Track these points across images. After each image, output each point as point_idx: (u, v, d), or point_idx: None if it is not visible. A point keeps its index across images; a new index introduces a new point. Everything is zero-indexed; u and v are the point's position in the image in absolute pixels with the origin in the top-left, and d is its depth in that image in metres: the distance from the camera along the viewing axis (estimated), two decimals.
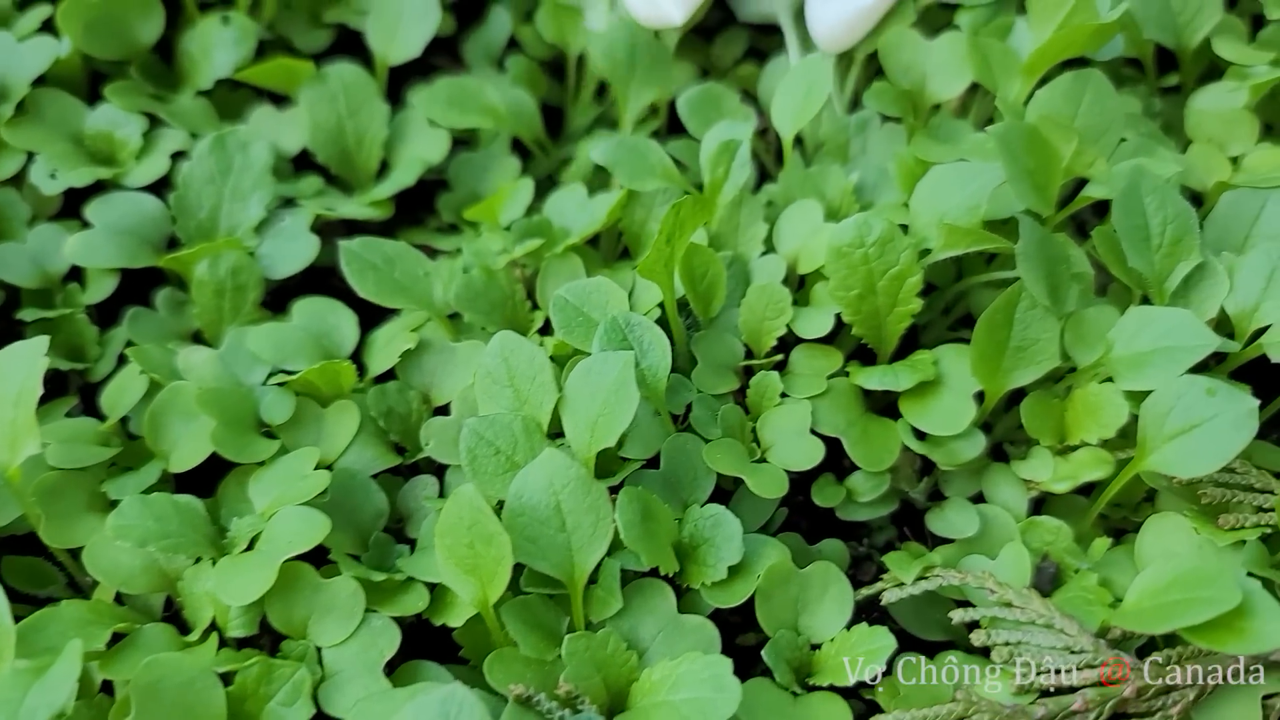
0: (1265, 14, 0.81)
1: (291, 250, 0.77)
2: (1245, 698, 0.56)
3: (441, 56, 0.95)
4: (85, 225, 0.76)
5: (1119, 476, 0.62)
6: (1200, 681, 0.56)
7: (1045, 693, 0.57)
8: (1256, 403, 0.57)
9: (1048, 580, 0.65)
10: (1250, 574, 0.58)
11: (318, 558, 0.62)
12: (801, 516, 0.71)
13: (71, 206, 0.79)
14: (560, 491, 0.59)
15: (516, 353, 0.65)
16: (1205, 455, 0.58)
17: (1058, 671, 0.57)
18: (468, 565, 0.58)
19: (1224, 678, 0.56)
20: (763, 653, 0.60)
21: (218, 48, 0.84)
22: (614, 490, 0.62)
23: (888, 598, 0.62)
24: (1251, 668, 0.56)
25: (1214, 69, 0.83)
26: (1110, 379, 0.64)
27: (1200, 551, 0.60)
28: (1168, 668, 0.56)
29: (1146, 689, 0.56)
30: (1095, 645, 0.56)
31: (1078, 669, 0.56)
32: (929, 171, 0.70)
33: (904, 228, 0.70)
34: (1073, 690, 0.56)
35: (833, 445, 0.67)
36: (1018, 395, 0.68)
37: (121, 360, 0.72)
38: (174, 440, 0.66)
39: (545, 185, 0.85)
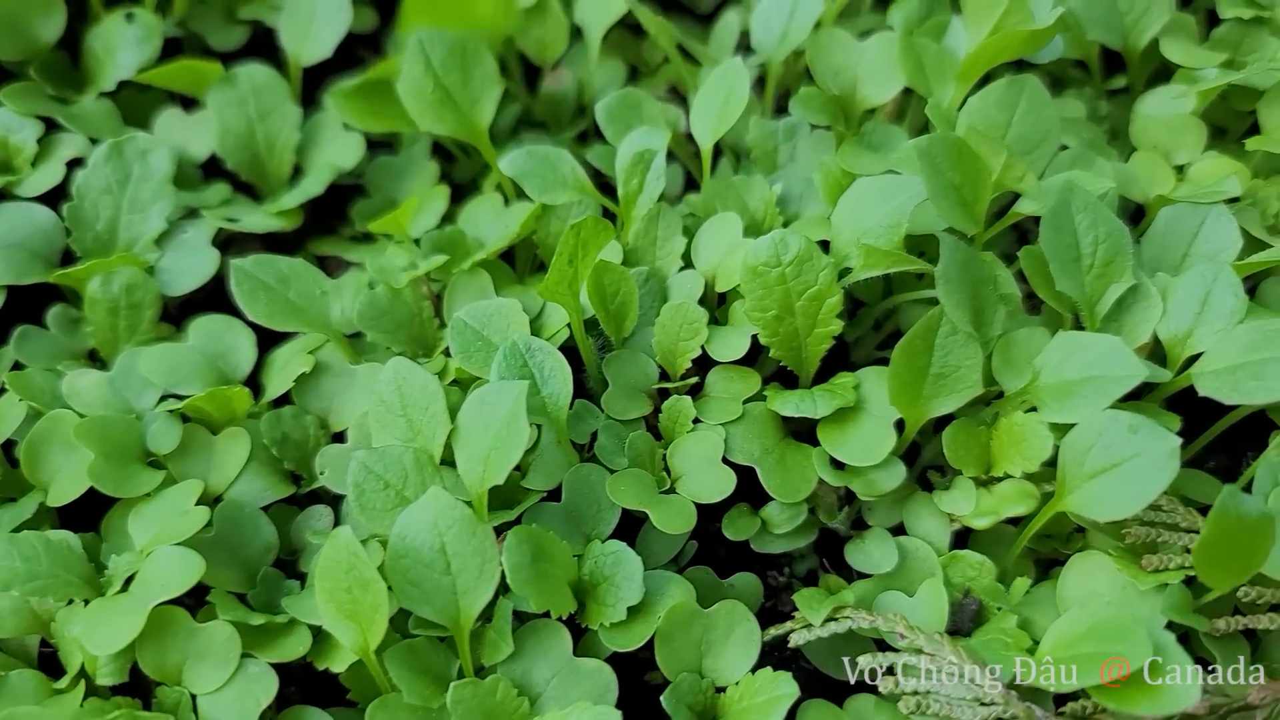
0: (1219, 12, 0.77)
1: (192, 265, 0.73)
2: None
3: (366, 50, 0.91)
4: None
5: (1041, 514, 0.59)
6: None
7: None
8: (1178, 442, 0.54)
9: (969, 618, 0.62)
10: (1171, 622, 0.55)
11: (201, 595, 0.59)
12: (720, 545, 0.68)
13: None
14: (445, 533, 0.56)
15: (410, 381, 0.62)
16: (1123, 498, 0.54)
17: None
18: (347, 610, 0.55)
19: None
20: (661, 699, 0.57)
21: (121, 47, 0.80)
22: (513, 524, 0.60)
23: (795, 640, 0.59)
24: None
25: (1166, 70, 0.78)
26: (1035, 408, 0.60)
27: (1122, 595, 0.57)
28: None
29: None
30: (1006, 697, 0.53)
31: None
32: (852, 185, 0.66)
33: (826, 244, 0.66)
34: None
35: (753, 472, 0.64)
36: (946, 420, 0.65)
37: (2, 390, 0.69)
38: (53, 471, 0.63)
39: (470, 190, 0.82)
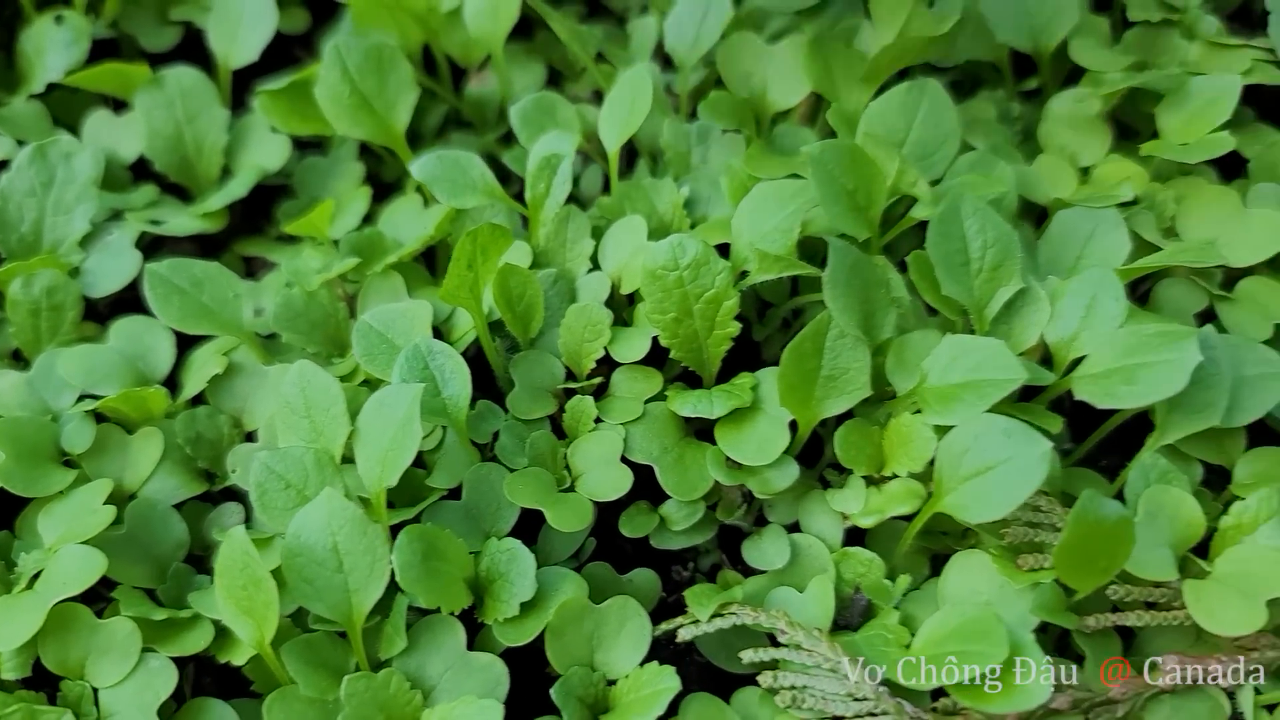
0: (1129, 15, 0.78)
1: (115, 267, 0.75)
2: None
3: (303, 50, 0.93)
4: None
5: (921, 514, 0.61)
6: None
7: None
8: (1049, 446, 0.56)
9: (859, 613, 0.63)
10: (1045, 621, 0.57)
11: (103, 594, 0.61)
12: (626, 541, 0.69)
13: None
14: (337, 532, 0.58)
15: (313, 383, 0.64)
16: (994, 501, 0.56)
17: (840, 718, 0.56)
18: (244, 606, 0.57)
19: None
20: (551, 692, 0.59)
21: (50, 49, 0.82)
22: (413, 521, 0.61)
23: (683, 634, 0.61)
24: None
25: (1080, 71, 0.80)
26: (920, 410, 0.62)
27: (1000, 594, 0.58)
28: (954, 717, 0.55)
29: None
30: (878, 694, 0.55)
31: (858, 717, 0.55)
32: (752, 189, 0.67)
33: (729, 246, 0.68)
34: None
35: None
36: (846, 418, 0.66)
37: None
38: None
39: (397, 190, 0.83)
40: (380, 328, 0.66)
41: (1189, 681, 0.56)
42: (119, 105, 0.84)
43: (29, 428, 0.65)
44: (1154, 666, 0.57)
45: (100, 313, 0.76)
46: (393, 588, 0.59)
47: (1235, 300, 0.70)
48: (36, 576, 0.59)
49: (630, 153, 0.80)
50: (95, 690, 0.58)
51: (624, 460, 0.66)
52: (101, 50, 0.86)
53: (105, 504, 0.62)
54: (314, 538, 0.58)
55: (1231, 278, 0.71)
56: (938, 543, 0.66)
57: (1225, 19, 0.81)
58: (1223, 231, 0.71)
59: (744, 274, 0.67)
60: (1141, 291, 0.71)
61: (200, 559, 0.66)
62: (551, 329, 0.70)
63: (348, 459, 0.63)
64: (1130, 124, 0.79)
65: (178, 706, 0.60)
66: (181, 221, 0.77)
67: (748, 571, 0.67)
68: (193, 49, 0.88)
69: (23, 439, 0.64)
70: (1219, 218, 0.71)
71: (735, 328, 0.65)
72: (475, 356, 0.69)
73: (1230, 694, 0.57)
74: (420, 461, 0.67)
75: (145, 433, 0.67)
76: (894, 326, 0.64)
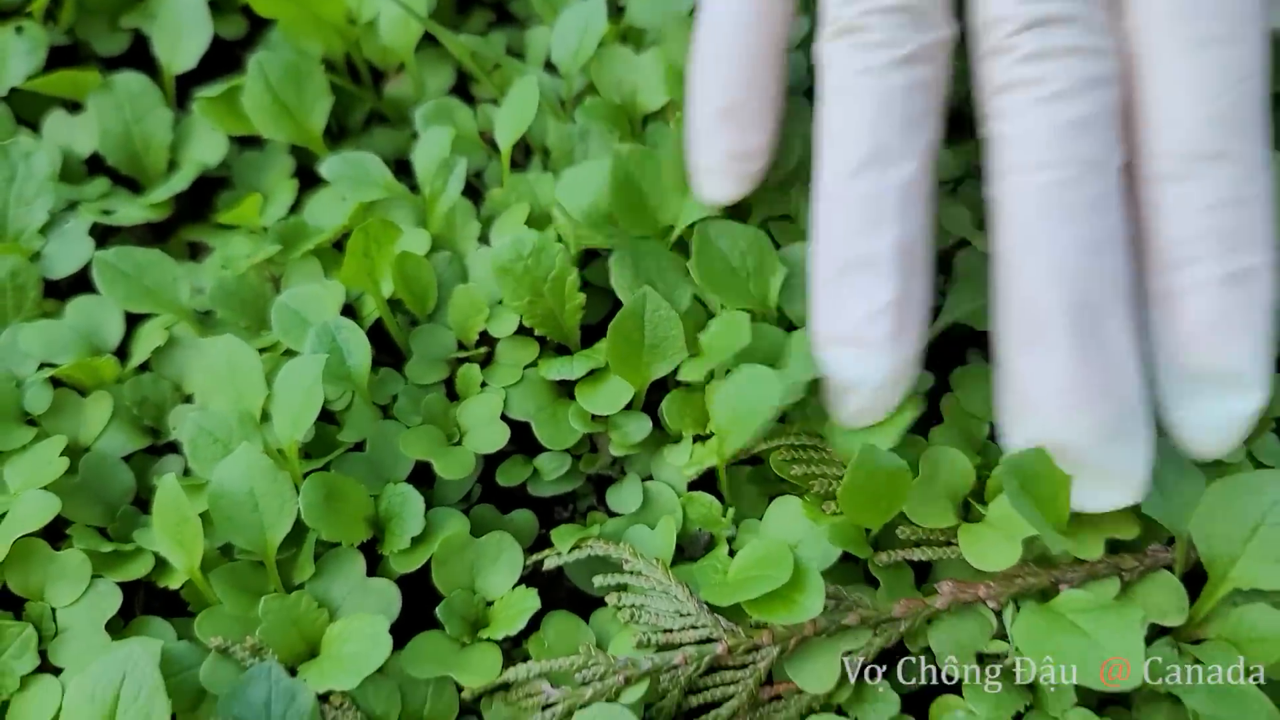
0: None
1: (72, 252, 0.85)
2: (827, 653, 0.67)
3: (242, 51, 1.03)
4: None
5: (720, 461, 0.72)
6: (784, 642, 0.66)
7: (662, 648, 0.68)
8: (777, 381, 0.69)
9: (702, 547, 0.75)
10: (847, 552, 0.69)
11: (61, 531, 0.73)
12: (516, 489, 0.81)
13: None
14: (254, 479, 0.69)
15: (238, 354, 0.75)
16: (744, 432, 0.69)
17: (669, 631, 0.68)
18: (176, 539, 0.68)
19: (806, 637, 0.67)
20: (436, 611, 0.71)
21: (13, 57, 0.92)
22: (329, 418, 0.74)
23: (548, 564, 0.73)
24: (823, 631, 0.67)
25: None
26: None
27: (810, 531, 0.70)
28: (760, 630, 0.67)
29: (737, 646, 0.66)
30: (699, 609, 0.67)
31: (683, 629, 0.67)
32: (563, 172, 0.81)
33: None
34: (678, 647, 0.67)
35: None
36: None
37: None
38: None
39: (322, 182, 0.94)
40: (295, 306, 0.77)
41: (960, 603, 0.68)
42: (74, 106, 0.94)
43: None
44: (931, 591, 0.69)
45: (60, 290, 0.87)
46: (304, 525, 0.71)
47: None
48: (1, 517, 0.71)
49: (527, 148, 0.91)
50: (54, 609, 0.70)
51: (504, 418, 0.77)
52: (58, 55, 0.97)
53: (61, 456, 0.73)
54: (234, 484, 0.69)
55: None
56: (773, 488, 0.78)
57: None
58: None
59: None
60: None
61: (146, 502, 0.78)
62: (445, 305, 0.81)
63: (267, 417, 0.75)
64: None
65: (126, 623, 0.72)
66: (131, 211, 0.88)
67: (614, 514, 0.79)
68: (142, 53, 0.98)
69: None
70: None
71: (581, 298, 0.76)
72: (381, 330, 0.80)
73: (997, 613, 0.69)
74: (332, 420, 0.78)
75: (97, 396, 0.78)
76: (690, 299, 0.76)
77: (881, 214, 0.67)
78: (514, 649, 0.71)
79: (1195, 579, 0.68)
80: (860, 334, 0.67)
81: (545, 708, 0.67)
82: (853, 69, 0.68)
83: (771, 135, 0.76)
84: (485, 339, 0.80)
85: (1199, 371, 0.66)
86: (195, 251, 0.92)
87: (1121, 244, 0.65)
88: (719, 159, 0.76)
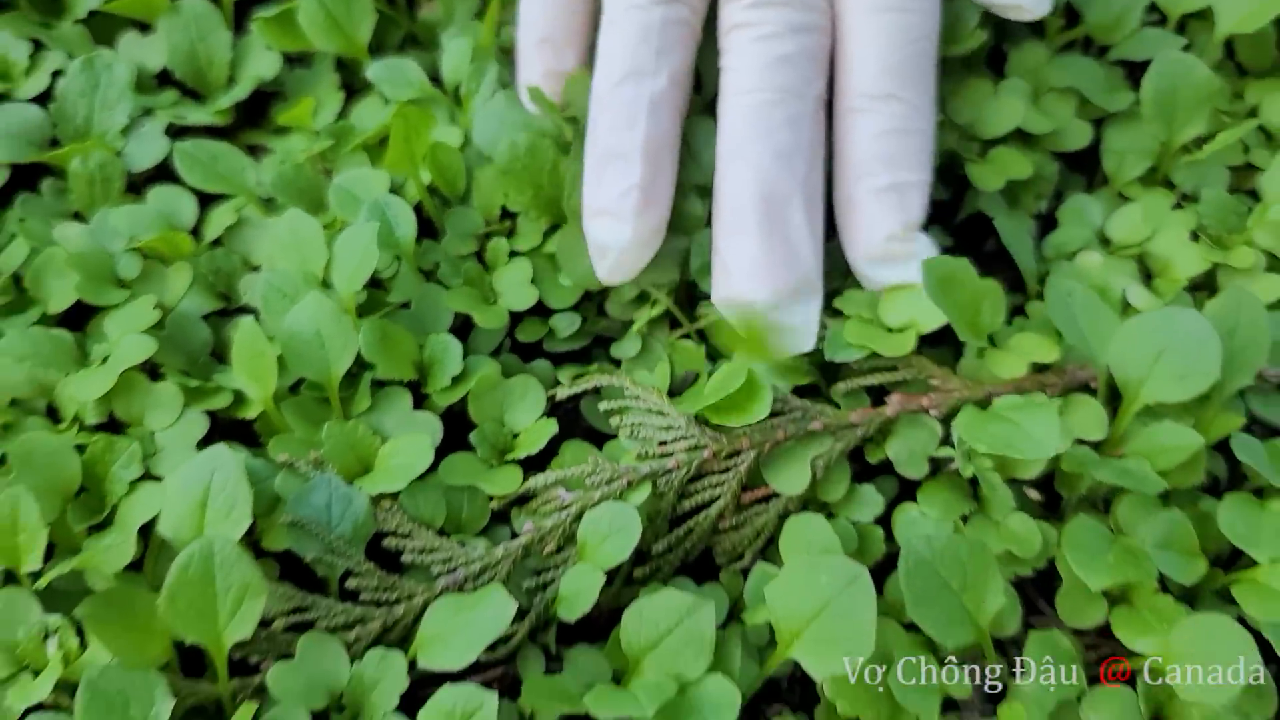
0: None
1: (149, 149, 0.99)
2: (797, 458, 0.81)
3: None
4: None
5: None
6: (759, 447, 0.80)
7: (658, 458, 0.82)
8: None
9: (689, 383, 0.88)
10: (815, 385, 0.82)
11: (154, 373, 0.86)
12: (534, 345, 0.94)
13: None
14: (321, 322, 0.82)
15: (302, 225, 0.88)
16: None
17: (663, 443, 0.81)
18: (254, 375, 0.82)
19: (778, 441, 0.80)
20: (470, 437, 0.84)
21: None
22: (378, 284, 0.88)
23: (560, 395, 0.86)
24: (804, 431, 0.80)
25: None
26: None
27: (775, 367, 0.83)
28: (740, 437, 0.80)
29: (720, 451, 0.80)
30: (688, 423, 0.80)
31: (674, 440, 0.80)
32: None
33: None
34: (670, 455, 0.80)
35: None
36: None
37: (12, 237, 0.94)
38: (51, 291, 0.89)
39: (363, 92, 1.07)
40: (349, 187, 0.91)
41: (908, 412, 0.81)
42: (145, 28, 1.07)
43: (94, 259, 0.90)
44: (883, 402, 0.82)
45: (137, 186, 1.00)
46: (361, 365, 0.85)
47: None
48: (106, 359, 0.84)
49: None
50: (152, 432, 0.83)
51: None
52: None
53: (153, 310, 0.87)
54: (304, 326, 0.82)
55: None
56: None
57: None
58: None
59: None
60: None
61: (220, 356, 0.91)
62: (472, 190, 0.94)
63: (327, 283, 0.88)
64: None
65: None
66: (198, 116, 1.01)
67: (616, 362, 0.92)
68: None
69: (89, 267, 0.89)
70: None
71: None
72: (420, 212, 0.93)
73: (943, 422, 0.82)
74: (381, 285, 0.91)
75: (178, 266, 0.91)
76: None
77: (634, 117, 0.83)
78: (536, 472, 0.85)
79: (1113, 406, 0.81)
80: (614, 208, 0.83)
81: (561, 509, 0.80)
82: (623, 5, 0.86)
83: (579, 60, 0.94)
84: (506, 214, 0.93)
85: (871, 254, 0.84)
86: (254, 153, 1.05)
87: (807, 154, 0.82)
88: (539, 77, 0.94)
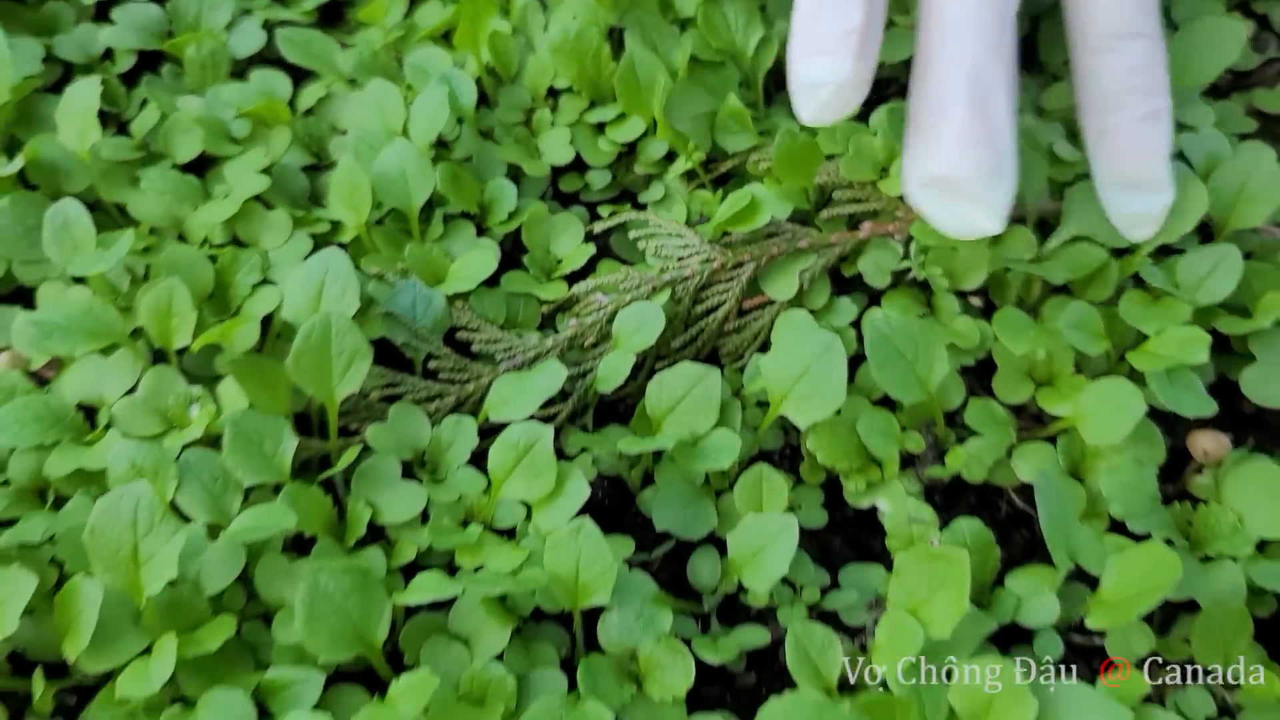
0: None
1: (249, 40, 1.19)
2: (787, 271, 1.00)
3: None
4: (112, 23, 1.17)
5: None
6: (757, 261, 1.00)
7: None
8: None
9: (702, 220, 1.08)
10: (804, 214, 1.02)
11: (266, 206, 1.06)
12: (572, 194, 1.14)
13: (102, 13, 1.20)
14: (404, 163, 1.02)
15: (383, 92, 1.08)
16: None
17: (681, 258, 1.01)
18: (350, 204, 1.01)
19: (773, 256, 1.00)
20: (524, 259, 1.04)
21: None
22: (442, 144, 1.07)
23: (597, 228, 1.06)
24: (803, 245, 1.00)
25: None
26: None
27: (767, 192, 1.03)
28: (742, 251, 1.00)
29: (727, 263, 1.00)
30: (702, 242, 1.00)
31: (690, 256, 1.00)
32: None
33: None
34: (686, 267, 1.00)
35: None
36: None
37: (142, 105, 1.14)
38: (177, 144, 1.09)
39: None
40: (421, 64, 1.11)
41: (876, 235, 1.01)
42: None
43: (210, 123, 1.09)
44: (855, 226, 1.02)
45: (239, 71, 1.19)
46: (434, 202, 1.04)
47: None
48: (228, 194, 1.04)
49: None
50: (267, 250, 1.03)
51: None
52: None
53: (263, 159, 1.07)
54: (391, 166, 1.02)
55: None
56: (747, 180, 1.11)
57: None
58: None
59: None
60: None
61: (316, 200, 1.11)
62: (522, 73, 1.14)
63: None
64: None
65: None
66: (287, 15, 1.21)
67: (642, 208, 1.12)
68: None
69: (210, 126, 1.08)
70: None
71: (612, 65, 1.09)
72: (479, 85, 1.13)
73: (904, 246, 1.02)
74: (446, 145, 1.11)
75: (278, 129, 1.11)
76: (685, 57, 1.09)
77: None
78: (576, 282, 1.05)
79: (1042, 234, 1.01)
80: (833, 48, 0.86)
81: (599, 310, 1.00)
82: None
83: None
84: (551, 93, 1.13)
85: (1129, 181, 0.92)
86: None
87: (1009, 53, 0.88)
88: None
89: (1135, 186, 0.93)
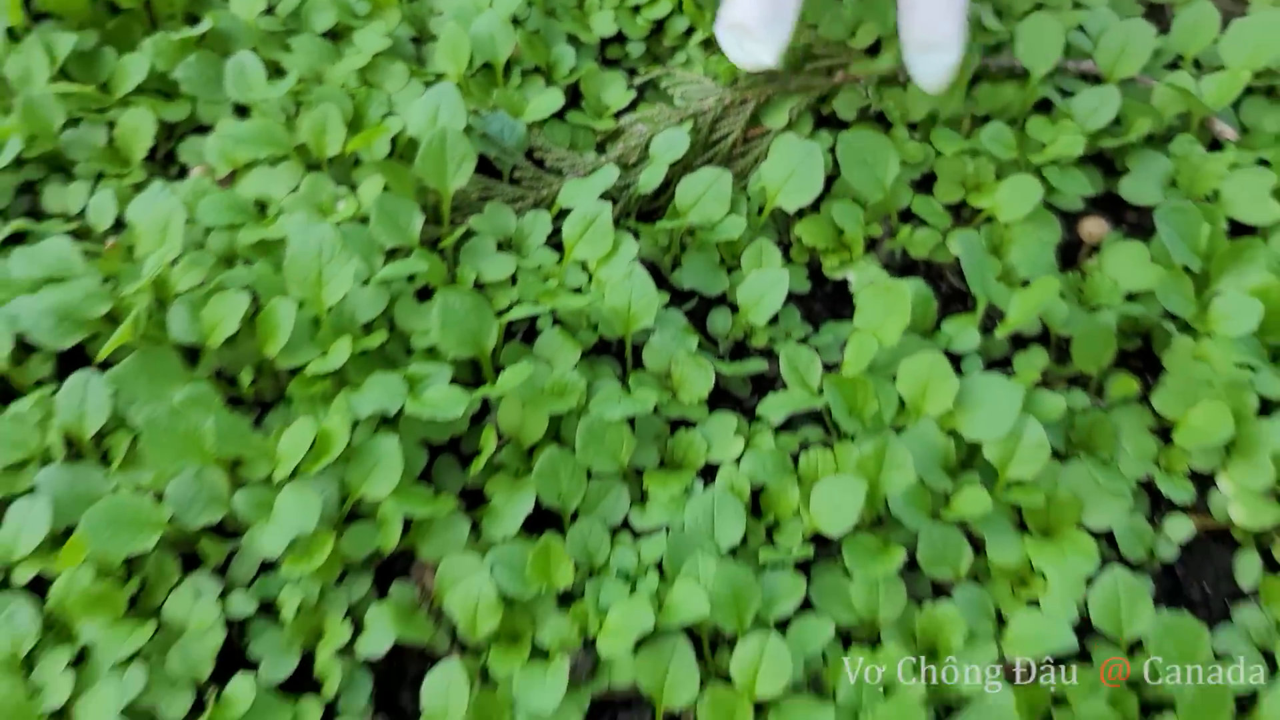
0: None
1: None
2: (781, 106, 1.34)
3: None
4: None
5: None
6: (758, 100, 1.33)
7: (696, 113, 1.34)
8: None
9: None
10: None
11: None
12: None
13: None
14: (493, 28, 1.35)
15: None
16: None
17: (701, 99, 1.34)
18: (452, 58, 1.34)
19: (770, 96, 1.33)
20: (581, 104, 1.37)
21: None
22: (515, 22, 1.40)
23: (635, 83, 1.39)
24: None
25: None
26: None
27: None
28: (746, 93, 1.33)
29: (735, 100, 1.33)
30: (716, 86, 1.33)
31: (706, 97, 1.33)
32: None
33: None
34: (705, 104, 1.33)
35: None
36: None
37: None
38: (313, 21, 1.42)
39: None
40: None
41: (848, 81, 1.34)
42: None
43: (340, 4, 1.42)
44: (831, 74, 1.35)
45: None
46: (511, 65, 1.38)
47: None
48: (359, 52, 1.37)
49: None
50: (390, 94, 1.36)
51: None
52: None
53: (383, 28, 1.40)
54: (482, 29, 1.35)
55: None
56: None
57: None
58: None
59: None
60: None
61: (421, 62, 1.43)
62: None
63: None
64: None
65: None
66: None
67: None
68: None
69: (339, 4, 1.41)
70: None
71: None
72: None
73: (867, 90, 1.35)
74: (519, 22, 1.44)
75: (390, 10, 1.44)
76: None
77: None
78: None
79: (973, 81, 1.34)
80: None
81: (640, 136, 1.33)
82: None
83: None
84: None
85: (925, 43, 1.12)
86: None
87: None
88: None
89: (930, 47, 1.12)
